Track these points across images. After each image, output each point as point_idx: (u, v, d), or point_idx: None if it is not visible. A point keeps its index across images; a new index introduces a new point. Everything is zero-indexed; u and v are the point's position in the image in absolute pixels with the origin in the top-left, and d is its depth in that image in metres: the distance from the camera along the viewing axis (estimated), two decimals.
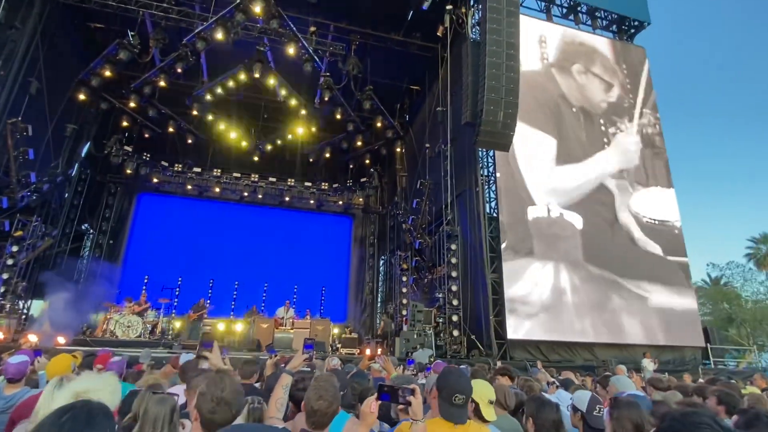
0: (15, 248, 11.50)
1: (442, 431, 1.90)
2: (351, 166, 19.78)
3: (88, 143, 16.19)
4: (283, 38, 13.70)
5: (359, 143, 17.81)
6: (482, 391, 2.37)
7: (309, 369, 3.49)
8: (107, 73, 13.62)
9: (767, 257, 29.12)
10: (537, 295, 11.74)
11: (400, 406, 1.80)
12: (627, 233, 13.44)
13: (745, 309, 20.92)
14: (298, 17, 13.90)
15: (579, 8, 15.88)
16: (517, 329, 11.27)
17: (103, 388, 1.67)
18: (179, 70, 14.14)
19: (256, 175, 19.03)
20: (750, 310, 20.75)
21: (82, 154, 16.09)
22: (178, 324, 13.48)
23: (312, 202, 19.84)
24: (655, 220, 13.92)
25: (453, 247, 12.41)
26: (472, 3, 13.44)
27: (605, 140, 14.32)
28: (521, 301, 11.55)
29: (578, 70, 14.80)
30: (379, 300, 20.12)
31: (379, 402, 1.76)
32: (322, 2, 13.96)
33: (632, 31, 16.74)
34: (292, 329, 12.99)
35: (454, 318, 11.73)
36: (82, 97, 14.09)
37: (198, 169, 18.46)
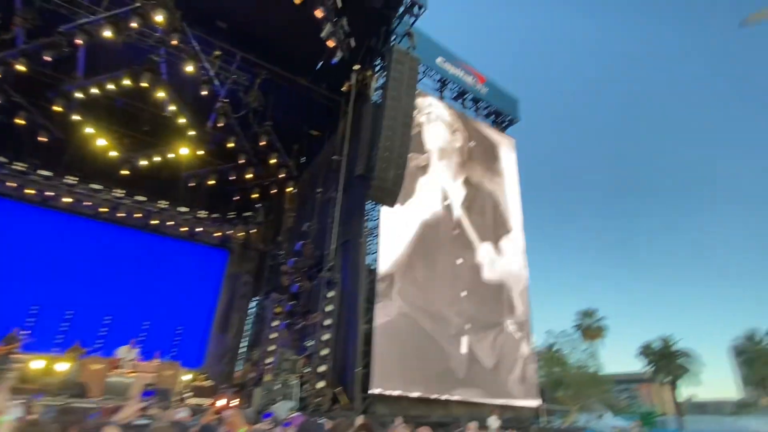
0: None
1: None
2: (236, 198, 18.79)
3: None
4: (183, 54, 12.97)
5: (249, 176, 17.12)
6: None
7: (146, 422, 3.00)
8: None
9: (588, 329, 34.76)
10: (402, 351, 12.09)
11: None
12: (486, 296, 14.87)
13: (571, 374, 24.38)
14: (204, 38, 13.38)
15: (466, 95, 18.25)
16: (382, 383, 11.33)
17: None
18: (47, 59, 12.27)
19: (122, 191, 16.88)
20: (575, 375, 24.23)
21: None
22: None
23: (184, 229, 18.17)
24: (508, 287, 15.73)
25: (330, 294, 12.30)
26: (377, 69, 14.50)
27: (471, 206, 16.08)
28: (389, 355, 11.75)
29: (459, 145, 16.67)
30: (244, 345, 18.65)
31: None
32: (234, 30, 13.72)
33: (505, 123, 19.68)
34: (133, 373, 11.17)
35: (321, 369, 11.36)
36: None
37: (47, 173, 15.70)
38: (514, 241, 16.85)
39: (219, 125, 14.91)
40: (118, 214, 16.89)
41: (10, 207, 15.37)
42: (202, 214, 18.69)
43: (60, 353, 12.11)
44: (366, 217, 13.35)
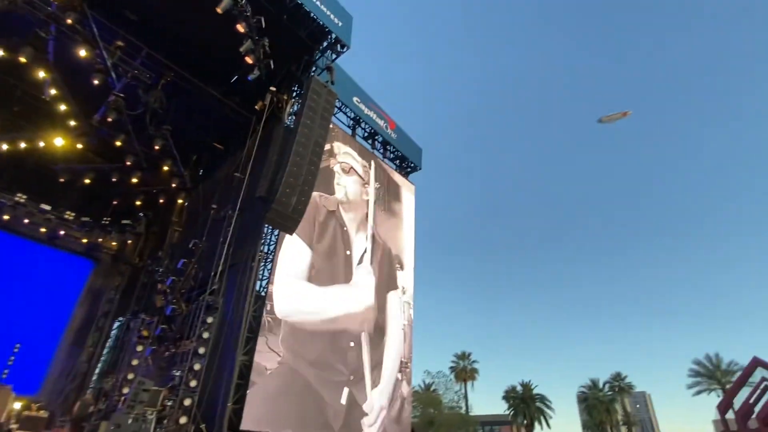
0: None
1: None
2: (115, 202, 16.79)
3: None
4: (78, 36, 11.65)
5: (135, 180, 15.51)
6: None
7: None
8: None
9: (462, 372, 36.89)
10: (280, 391, 11.53)
11: None
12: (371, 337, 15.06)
13: (443, 414, 25.40)
14: (108, 25, 12.22)
15: (377, 137, 19.08)
16: (253, 422, 10.61)
17: None
18: None
19: None
20: (446, 415, 25.28)
21: None
22: None
23: (43, 230, 15.61)
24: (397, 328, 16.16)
25: (209, 320, 11.38)
26: (294, 95, 14.55)
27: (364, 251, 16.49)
28: (264, 393, 11.11)
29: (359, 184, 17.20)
30: (97, 371, 16.14)
31: None
32: (145, 24, 12.77)
33: (409, 170, 20.88)
34: None
35: (187, 402, 10.28)
36: None
37: None
38: (407, 286, 17.50)
39: (108, 120, 13.42)
40: None
41: None
42: (69, 215, 16.28)
43: None
44: (262, 241, 12.87)
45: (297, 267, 13.19)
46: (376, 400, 14.10)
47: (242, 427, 10.38)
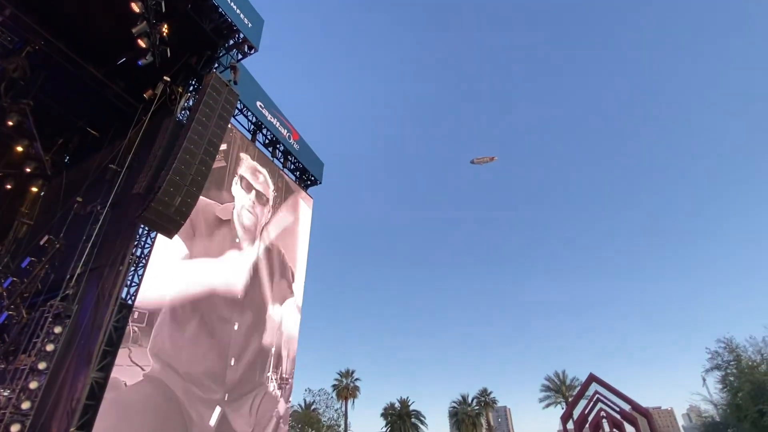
0: None
1: None
2: None
3: None
4: None
5: None
6: None
7: None
8: None
9: (344, 390, 36.89)
10: (139, 411, 10.27)
11: None
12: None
13: None
14: None
15: (278, 146, 18.63)
16: None
17: None
18: None
19: None
20: None
21: None
22: None
23: None
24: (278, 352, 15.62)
25: (57, 330, 9.70)
26: (191, 89, 13.60)
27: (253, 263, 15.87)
28: (118, 415, 9.77)
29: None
30: None
31: None
32: None
33: (309, 183, 20.72)
34: None
35: (14, 428, 8.56)
36: None
37: None
38: (296, 302, 17.12)
39: None
40: None
41: None
42: None
43: None
44: (135, 243, 11.53)
45: (180, 272, 12.07)
46: (249, 422, 13.34)
47: None
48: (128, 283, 11.20)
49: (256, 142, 17.38)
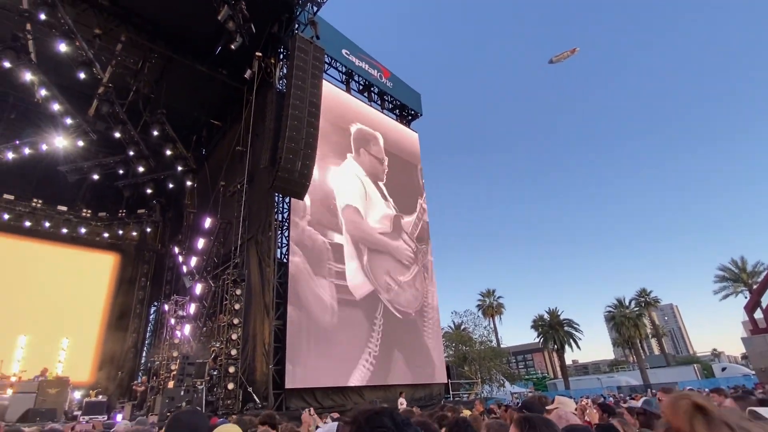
0: None
1: None
2: (126, 195, 17.03)
3: None
4: (54, 31, 11.36)
5: (141, 169, 15.61)
6: None
7: None
8: None
9: (489, 308, 37.88)
10: (316, 346, 12.10)
11: None
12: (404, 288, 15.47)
13: (474, 349, 26.40)
14: (81, 13, 11.86)
15: (372, 89, 18.55)
16: (295, 378, 11.25)
17: None
18: None
19: None
20: (477, 350, 26.27)
21: None
22: None
23: (65, 231, 16.07)
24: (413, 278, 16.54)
25: (238, 292, 11.81)
26: (281, 57, 14.11)
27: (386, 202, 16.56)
28: (303, 348, 11.69)
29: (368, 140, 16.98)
30: (143, 355, 17.14)
31: None
32: (118, 7, 12.35)
33: (409, 118, 20.42)
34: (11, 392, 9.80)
35: (231, 369, 10.91)
36: None
37: None
38: (424, 234, 17.68)
39: (102, 112, 13.37)
40: None
41: None
42: (86, 213, 16.67)
43: None
44: (275, 210, 13.02)
45: (325, 221, 13.46)
46: (407, 342, 14.72)
47: (287, 384, 11.02)
48: (279, 245, 12.86)
49: (351, 90, 17.54)
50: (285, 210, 13.44)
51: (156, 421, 7.42)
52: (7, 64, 11.62)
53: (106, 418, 10.22)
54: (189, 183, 16.96)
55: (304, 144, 11.01)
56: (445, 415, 3.66)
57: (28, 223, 15.35)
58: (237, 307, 11.58)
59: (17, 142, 13.98)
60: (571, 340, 35.98)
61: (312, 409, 8.82)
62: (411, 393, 13.10)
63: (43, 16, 11.02)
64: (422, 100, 21.07)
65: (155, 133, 14.53)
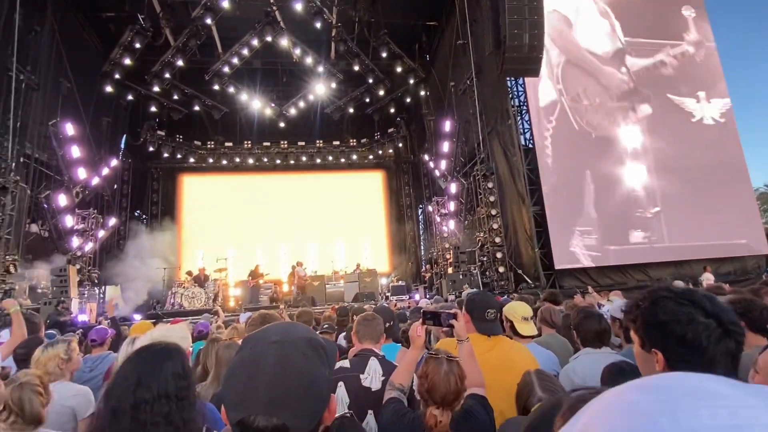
0: (78, 241, 12.50)
1: (479, 345, 2.01)
2: (376, 119, 19.44)
3: (125, 134, 16.83)
4: None
5: (381, 93, 17.34)
6: (515, 309, 2.49)
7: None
8: (127, 62, 13.85)
9: None
10: (585, 218, 11.47)
11: (444, 329, 1.91)
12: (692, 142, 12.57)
13: None
14: None
15: None
16: (563, 258, 11.15)
17: (175, 334, 1.91)
18: (193, 47, 14.15)
19: (285, 142, 19.20)
20: None
21: (122, 145, 16.81)
22: (239, 291, 14.41)
23: (343, 160, 19.91)
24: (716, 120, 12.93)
25: (490, 185, 12.18)
26: None
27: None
28: (564, 228, 11.34)
29: None
30: (421, 248, 20.42)
31: (425, 327, 1.84)
32: None
33: None
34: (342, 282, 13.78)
35: (498, 255, 11.73)
36: (109, 89, 14.44)
37: (229, 144, 18.85)
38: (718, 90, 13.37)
39: (340, 51, 15.23)
40: (290, 162, 19.43)
41: (214, 179, 19.26)
42: (353, 142, 20.05)
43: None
44: (510, 95, 12.34)
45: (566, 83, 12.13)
46: (704, 202, 12.16)
47: (556, 265, 11.10)
48: (522, 131, 12.33)
49: None
50: (521, 93, 12.59)
51: (453, 298, 8.86)
52: (269, 38, 14.41)
53: (408, 297, 12.83)
54: (422, 92, 17.85)
55: (527, 11, 9.61)
56: None
57: (318, 160, 19.71)
58: (492, 199, 12.03)
59: (292, 100, 17.68)
60: None
61: (590, 287, 8.66)
62: (715, 268, 11.06)
63: None
64: None
65: (383, 54, 15.60)
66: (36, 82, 11.12)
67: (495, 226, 11.91)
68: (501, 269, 11.60)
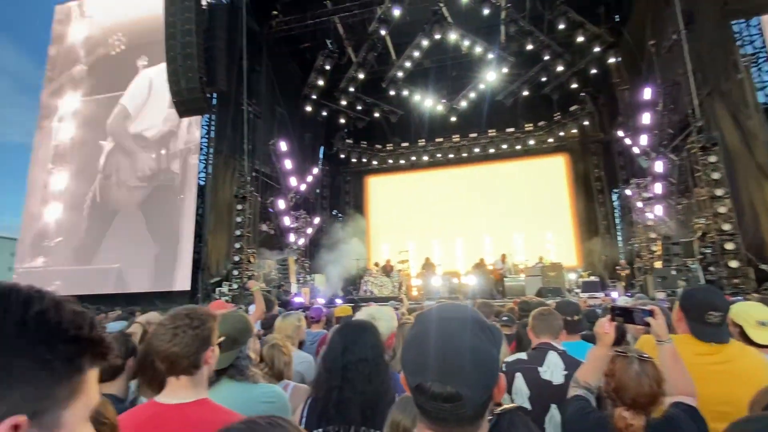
0: (294, 237, 15.28)
1: (692, 350, 1.74)
2: (555, 98, 17.75)
3: (321, 146, 19.76)
4: None
5: (560, 68, 15.72)
6: (748, 311, 2.06)
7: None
8: (320, 83, 16.12)
9: None
10: None
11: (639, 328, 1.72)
12: None
13: None
14: None
15: None
16: None
17: (385, 314, 2.28)
18: (371, 60, 15.55)
19: (457, 135, 19.37)
20: None
21: (320, 155, 19.79)
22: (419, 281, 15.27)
23: (519, 147, 18.93)
24: None
25: (712, 159, 9.74)
26: None
27: None
28: None
29: None
30: (618, 238, 17.81)
31: (614, 323, 1.66)
32: None
33: None
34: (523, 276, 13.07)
35: (729, 246, 9.29)
36: (308, 109, 17.12)
37: (405, 144, 20.09)
38: None
39: (510, 34, 14.46)
40: (463, 155, 19.54)
41: (395, 178, 20.80)
42: (529, 127, 18.82)
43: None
44: (737, 44, 9.64)
45: None
46: None
47: None
48: (758, 86, 9.51)
49: None
50: (755, 37, 9.70)
51: (663, 297, 7.51)
52: (437, 36, 14.69)
53: (603, 295, 11.34)
54: (612, 60, 15.48)
55: None
56: None
57: (491, 150, 19.19)
58: (716, 176, 9.62)
59: (462, 93, 17.59)
60: None
61: None
62: None
63: None
64: None
65: (561, 26, 14.13)
66: (259, 111, 14.06)
67: (722, 210, 9.48)
68: (733, 264, 9.17)
